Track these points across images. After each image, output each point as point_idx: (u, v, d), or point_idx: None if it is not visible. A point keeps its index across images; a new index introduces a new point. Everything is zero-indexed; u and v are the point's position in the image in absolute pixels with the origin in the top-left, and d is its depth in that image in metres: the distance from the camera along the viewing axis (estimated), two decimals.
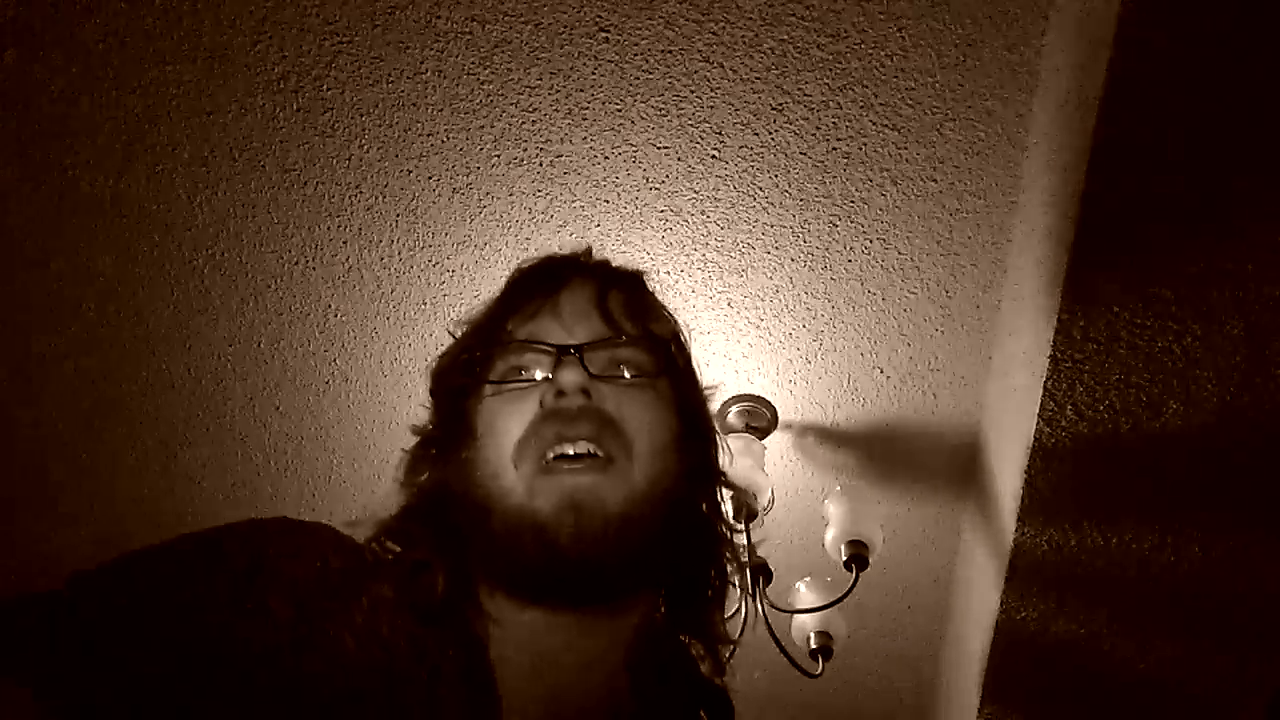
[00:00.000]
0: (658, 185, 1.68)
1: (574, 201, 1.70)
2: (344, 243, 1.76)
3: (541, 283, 0.76)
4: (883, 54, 1.49)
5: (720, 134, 1.61)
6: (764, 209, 1.70)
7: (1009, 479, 1.82)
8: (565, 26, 1.48)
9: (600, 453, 0.65)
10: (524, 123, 1.60)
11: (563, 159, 1.65)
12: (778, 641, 1.80)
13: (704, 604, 0.73)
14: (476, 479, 0.67)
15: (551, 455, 0.65)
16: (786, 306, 1.84)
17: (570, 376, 0.67)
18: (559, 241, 1.75)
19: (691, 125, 1.60)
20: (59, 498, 2.12)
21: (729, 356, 1.92)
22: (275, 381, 1.96)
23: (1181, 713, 2.10)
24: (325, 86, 1.55)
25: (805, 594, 1.97)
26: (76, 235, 1.72)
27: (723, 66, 1.52)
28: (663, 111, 1.58)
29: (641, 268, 0.81)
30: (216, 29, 1.47)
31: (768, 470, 1.97)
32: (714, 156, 1.64)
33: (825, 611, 1.94)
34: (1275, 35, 1.18)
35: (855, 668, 2.51)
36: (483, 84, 1.55)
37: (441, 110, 1.58)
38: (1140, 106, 1.26)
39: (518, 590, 0.65)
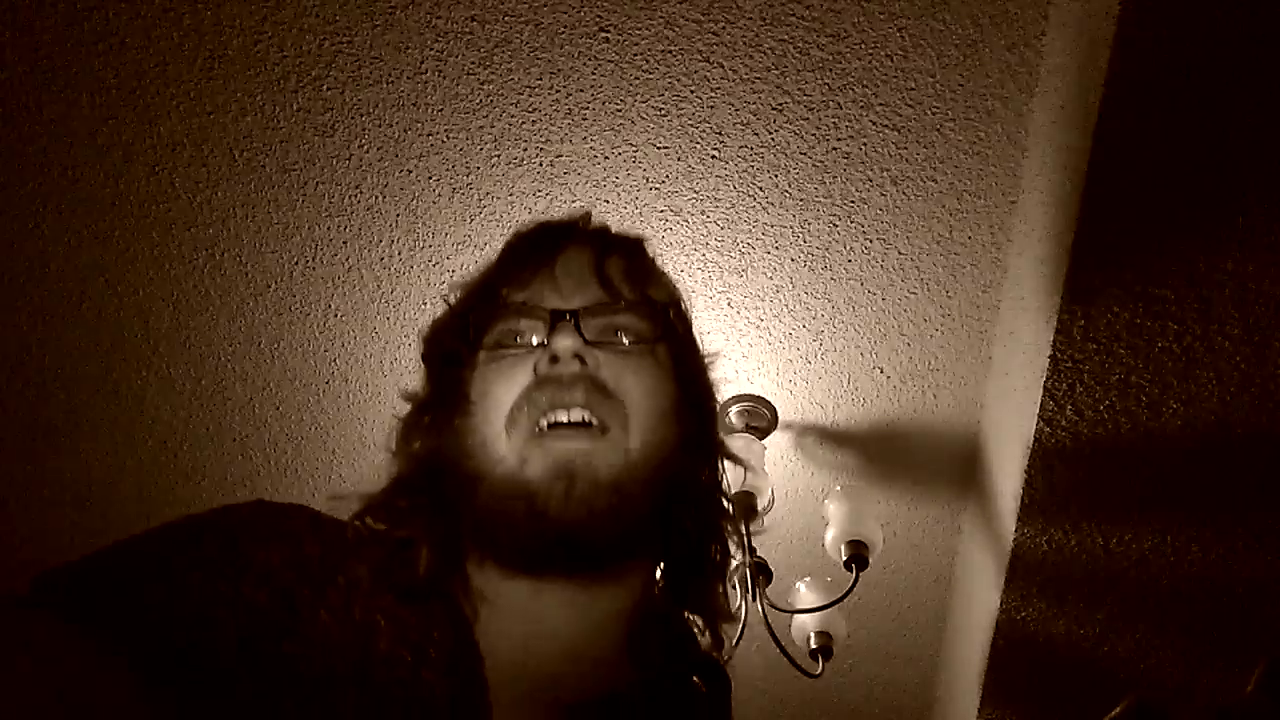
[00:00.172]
0: (658, 185, 1.67)
1: (574, 201, 1.70)
2: (344, 243, 1.76)
3: (538, 247, 0.73)
4: (883, 54, 1.49)
5: (720, 134, 1.61)
6: (764, 209, 1.70)
7: (1009, 479, 1.82)
8: (565, 26, 1.48)
9: (594, 421, 0.63)
10: (524, 123, 1.60)
11: (563, 159, 1.65)
12: (778, 641, 1.80)
13: (703, 578, 0.71)
14: (468, 447, 0.65)
15: (545, 423, 0.63)
16: (786, 306, 1.84)
17: (565, 342, 0.65)
18: None
19: (691, 125, 1.60)
20: (59, 498, 2.12)
21: (729, 356, 1.92)
22: (275, 381, 1.96)
23: (1181, 712, 2.10)
24: (325, 86, 1.55)
25: (805, 594, 1.97)
26: (76, 235, 1.72)
27: (723, 66, 1.52)
28: (663, 111, 1.58)
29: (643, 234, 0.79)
30: (216, 29, 1.47)
31: (768, 470, 1.97)
32: (714, 156, 1.64)
33: (825, 611, 1.94)
34: (1275, 35, 1.18)
35: (855, 668, 2.51)
36: (483, 84, 1.55)
37: (441, 110, 1.58)
38: (1140, 106, 1.26)
39: (508, 560, 0.64)
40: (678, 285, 0.77)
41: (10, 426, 2.00)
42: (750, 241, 1.75)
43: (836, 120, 1.58)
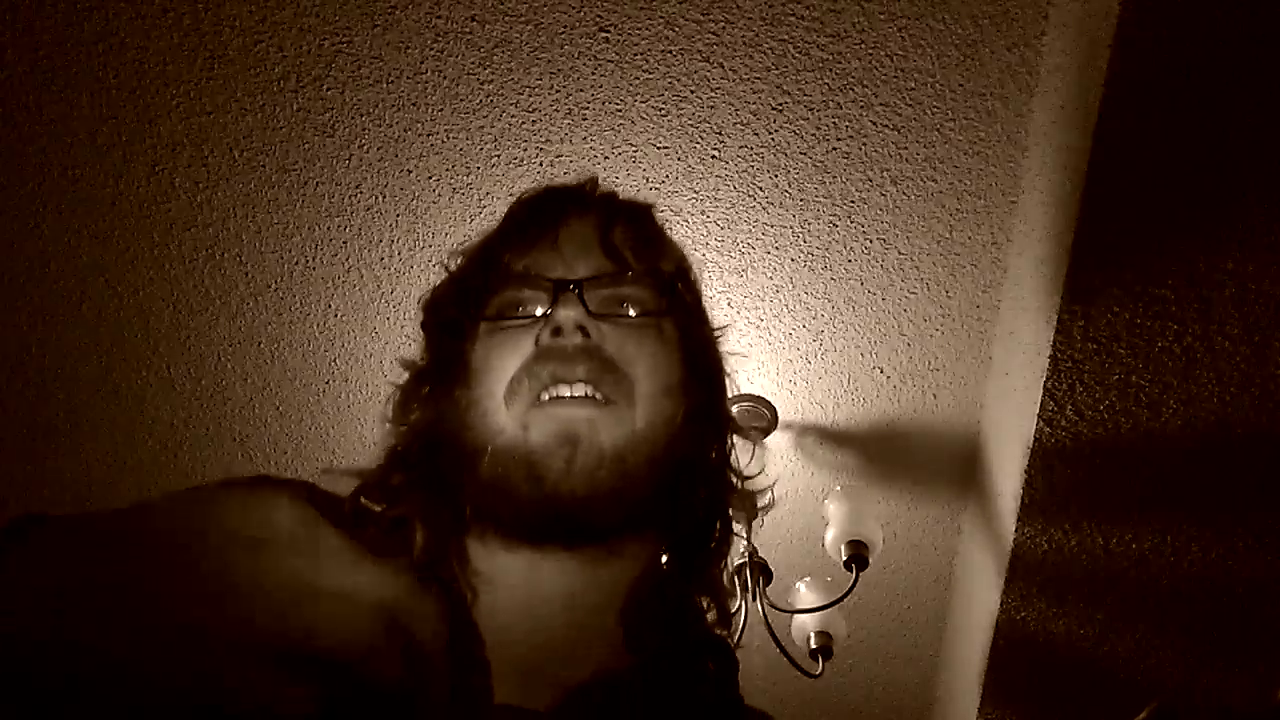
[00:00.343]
0: (658, 185, 1.67)
1: None
2: (344, 243, 1.76)
3: (542, 214, 0.70)
4: (883, 54, 1.49)
5: (720, 134, 1.60)
6: (764, 209, 1.70)
7: (1009, 479, 1.82)
8: (565, 26, 1.48)
9: (598, 395, 0.61)
10: (524, 123, 1.60)
11: (563, 159, 1.64)
12: (778, 641, 1.80)
13: (709, 554, 0.69)
14: (468, 420, 0.63)
15: (546, 397, 0.61)
16: (786, 306, 1.84)
17: (568, 313, 0.62)
18: None
19: (691, 125, 1.60)
20: (59, 498, 2.12)
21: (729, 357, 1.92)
22: (275, 381, 1.96)
23: (1181, 712, 2.10)
24: (325, 86, 1.55)
25: (805, 594, 1.97)
26: (76, 235, 1.72)
27: (723, 66, 1.52)
28: (663, 111, 1.58)
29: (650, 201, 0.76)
30: (216, 29, 1.47)
31: (768, 470, 1.97)
32: (714, 156, 1.64)
33: (825, 611, 1.94)
34: (1275, 35, 1.18)
35: (855, 668, 2.51)
36: (483, 84, 1.55)
37: (441, 110, 1.58)
38: (1140, 106, 1.26)
39: (508, 529, 0.62)
40: (687, 254, 0.75)
41: (10, 426, 2.00)
42: (750, 241, 1.75)
43: (836, 120, 1.58)
